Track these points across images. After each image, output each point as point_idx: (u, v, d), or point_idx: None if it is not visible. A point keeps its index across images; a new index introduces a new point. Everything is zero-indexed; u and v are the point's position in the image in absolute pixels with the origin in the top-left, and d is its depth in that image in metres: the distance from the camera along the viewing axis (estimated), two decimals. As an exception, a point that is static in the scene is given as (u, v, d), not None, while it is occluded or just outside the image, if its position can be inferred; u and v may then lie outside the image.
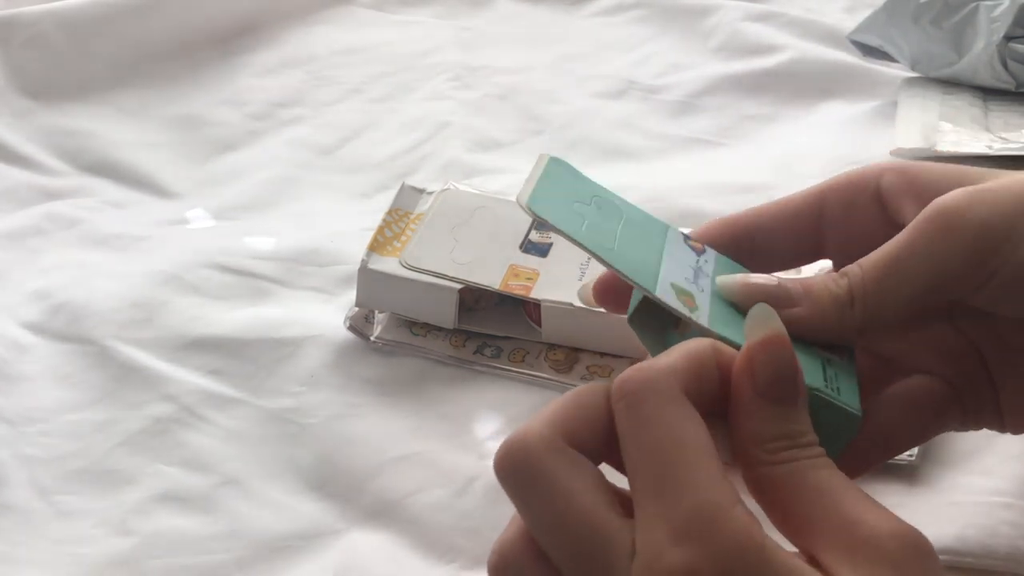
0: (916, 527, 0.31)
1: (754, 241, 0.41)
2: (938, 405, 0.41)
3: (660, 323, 0.38)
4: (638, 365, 0.33)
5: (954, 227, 0.37)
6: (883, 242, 0.38)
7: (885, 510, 0.32)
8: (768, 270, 0.40)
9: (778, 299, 0.37)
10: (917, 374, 0.42)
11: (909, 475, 0.54)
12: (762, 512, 0.33)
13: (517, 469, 0.33)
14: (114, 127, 0.89)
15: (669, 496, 0.31)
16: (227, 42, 0.98)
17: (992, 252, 0.36)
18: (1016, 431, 0.42)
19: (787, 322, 0.35)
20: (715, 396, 0.34)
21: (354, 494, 0.57)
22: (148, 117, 0.90)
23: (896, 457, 0.45)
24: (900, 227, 0.38)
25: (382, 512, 0.56)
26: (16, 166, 0.84)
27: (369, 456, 0.59)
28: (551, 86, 0.91)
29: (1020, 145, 0.73)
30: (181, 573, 0.54)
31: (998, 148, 0.73)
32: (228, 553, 0.55)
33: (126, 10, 0.96)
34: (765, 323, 0.34)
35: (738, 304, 0.37)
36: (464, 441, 0.59)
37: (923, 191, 0.39)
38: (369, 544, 0.55)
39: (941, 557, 0.50)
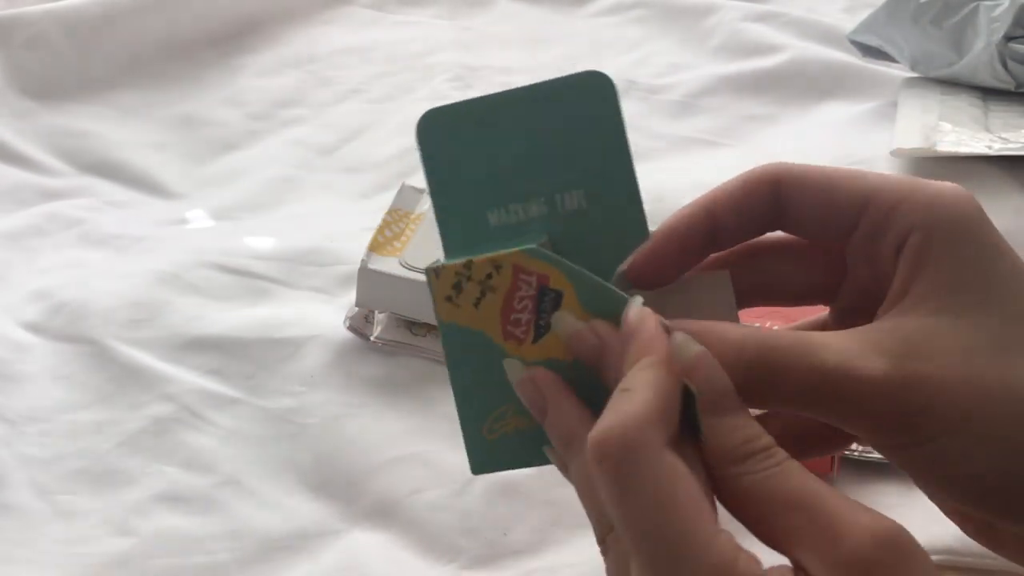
0: (897, 522, 0.31)
1: (781, 201, 0.38)
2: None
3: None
4: (611, 420, 0.32)
5: None
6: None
7: (863, 509, 0.31)
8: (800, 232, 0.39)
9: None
10: None
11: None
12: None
13: (627, 457, 0.31)
14: (114, 127, 0.89)
15: (670, 563, 0.30)
16: (227, 42, 0.98)
17: None
18: None
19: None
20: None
21: (354, 494, 0.57)
22: (148, 117, 0.90)
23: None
24: (894, 284, 0.36)
25: (382, 512, 0.56)
26: (16, 166, 0.84)
27: (369, 456, 0.59)
28: (551, 86, 0.91)
29: (1020, 145, 0.73)
30: (181, 573, 0.54)
31: (998, 148, 0.73)
32: (228, 553, 0.55)
33: (126, 10, 0.96)
34: (687, 350, 0.34)
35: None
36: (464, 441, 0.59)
37: (926, 284, 0.36)
38: (369, 544, 0.55)
39: (941, 557, 0.50)
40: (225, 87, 0.94)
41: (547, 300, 0.35)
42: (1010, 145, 0.73)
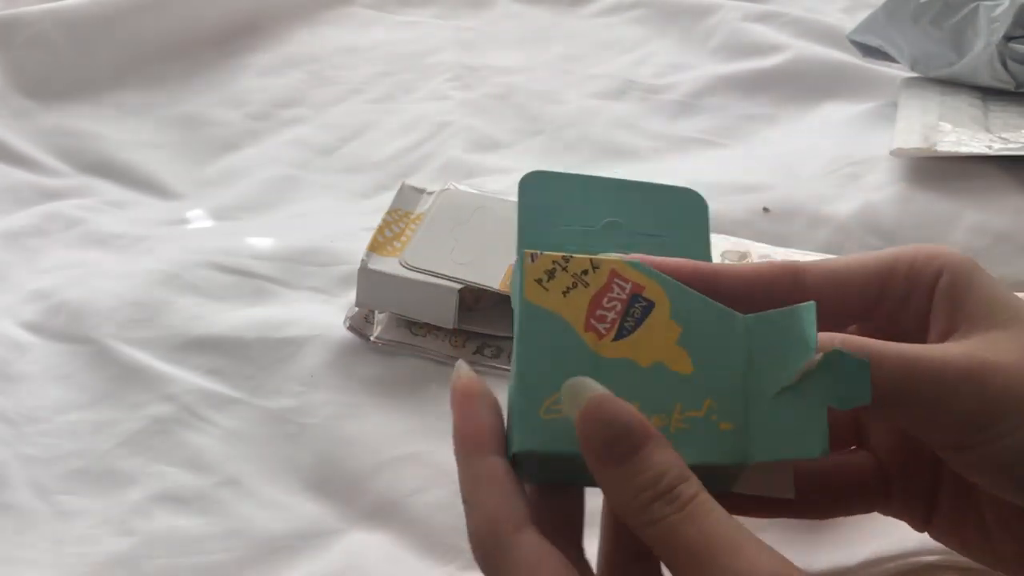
0: (792, 564, 0.32)
1: (803, 294, 0.39)
2: (864, 488, 0.41)
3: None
4: (470, 530, 0.34)
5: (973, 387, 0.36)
6: (912, 335, 0.38)
7: (761, 554, 0.32)
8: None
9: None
10: (861, 450, 0.42)
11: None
12: None
13: (490, 566, 0.34)
14: (114, 127, 0.89)
15: None
16: (228, 42, 0.98)
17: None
18: (934, 535, 0.42)
19: None
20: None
21: (354, 494, 0.57)
22: (148, 117, 0.90)
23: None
24: (932, 332, 0.38)
25: (382, 512, 0.56)
26: (16, 166, 0.84)
27: (369, 456, 0.59)
28: (551, 86, 0.91)
29: (1020, 145, 0.73)
30: (181, 573, 0.54)
31: (998, 148, 0.73)
32: (228, 553, 0.55)
33: (126, 10, 0.96)
34: (577, 396, 0.34)
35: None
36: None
37: (968, 312, 0.37)
38: (369, 544, 0.55)
39: (941, 557, 0.50)
40: (225, 87, 0.94)
41: (637, 306, 0.37)
42: (1010, 145, 0.73)
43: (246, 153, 0.87)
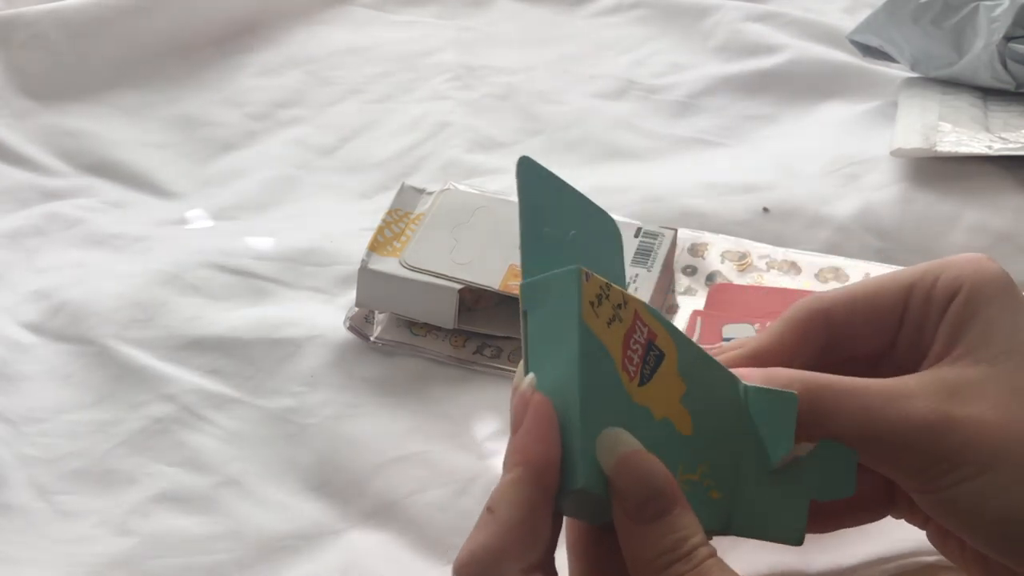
0: None
1: (833, 331, 0.39)
2: (871, 499, 0.42)
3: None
4: (472, 545, 0.33)
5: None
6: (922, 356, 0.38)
7: None
8: (845, 356, 0.40)
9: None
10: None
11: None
12: None
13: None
14: (114, 127, 0.89)
15: None
16: (227, 42, 0.98)
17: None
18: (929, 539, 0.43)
19: None
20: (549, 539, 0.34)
21: (354, 494, 0.57)
22: (148, 117, 0.90)
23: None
24: (931, 353, 0.38)
25: (382, 512, 0.56)
26: (16, 166, 0.84)
27: (369, 456, 0.59)
28: (551, 86, 0.91)
29: (1020, 145, 0.73)
30: (181, 573, 0.54)
31: (998, 148, 0.73)
32: (228, 553, 0.55)
33: (126, 10, 0.96)
34: (614, 448, 0.34)
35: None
36: (464, 441, 0.59)
37: (966, 339, 0.37)
38: (369, 544, 0.55)
39: (939, 557, 0.50)
40: (225, 87, 0.94)
41: (651, 355, 0.36)
42: (1010, 145, 0.73)
43: (246, 153, 0.87)
